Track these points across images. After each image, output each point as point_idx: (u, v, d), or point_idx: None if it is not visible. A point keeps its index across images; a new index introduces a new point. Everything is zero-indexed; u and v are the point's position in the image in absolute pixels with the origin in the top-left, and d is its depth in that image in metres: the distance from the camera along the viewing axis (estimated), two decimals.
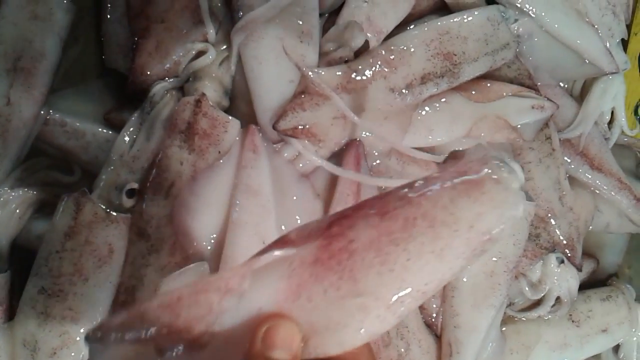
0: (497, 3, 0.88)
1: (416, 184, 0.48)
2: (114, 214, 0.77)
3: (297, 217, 0.82)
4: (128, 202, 0.79)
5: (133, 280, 0.78)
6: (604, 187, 0.95)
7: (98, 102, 0.86)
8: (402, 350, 0.83)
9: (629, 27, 0.97)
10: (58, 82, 0.86)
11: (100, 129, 0.84)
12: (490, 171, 0.47)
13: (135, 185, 0.79)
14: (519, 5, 0.87)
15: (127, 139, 0.80)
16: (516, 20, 0.88)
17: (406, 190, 0.48)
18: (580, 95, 0.98)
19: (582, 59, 0.91)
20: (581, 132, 0.93)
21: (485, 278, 0.85)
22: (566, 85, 0.98)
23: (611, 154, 0.96)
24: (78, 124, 0.84)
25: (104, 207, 0.77)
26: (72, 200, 0.76)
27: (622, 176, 0.96)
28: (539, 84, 0.90)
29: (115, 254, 0.77)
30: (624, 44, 0.97)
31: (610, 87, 0.95)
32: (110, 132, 0.84)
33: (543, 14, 0.88)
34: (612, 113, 0.97)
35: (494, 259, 0.85)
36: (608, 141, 0.97)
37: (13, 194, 0.79)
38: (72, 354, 0.75)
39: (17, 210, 0.80)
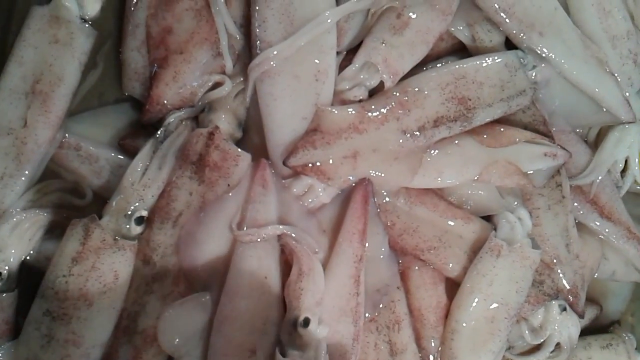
0: (516, 48, 0.87)
1: None
2: (122, 240, 0.78)
3: None
4: (136, 229, 0.79)
5: (136, 306, 0.80)
6: (613, 235, 0.94)
7: (113, 128, 0.87)
8: None
9: None
10: (75, 105, 0.87)
11: (113, 155, 0.86)
12: None
13: (145, 213, 0.80)
14: (539, 52, 0.86)
15: (139, 167, 0.80)
16: (534, 67, 0.87)
17: None
18: (595, 142, 0.97)
19: (599, 106, 0.90)
20: (593, 179, 0.93)
21: (485, 323, 0.85)
22: (581, 131, 0.97)
23: (622, 202, 0.96)
24: (92, 149, 0.85)
25: (112, 234, 0.77)
26: (82, 226, 0.77)
27: (632, 225, 0.95)
28: (553, 129, 0.89)
29: (120, 280, 0.78)
30: None
31: (626, 136, 0.94)
32: (123, 158, 0.85)
33: (563, 61, 0.87)
34: (626, 162, 0.96)
35: (496, 305, 0.84)
36: (620, 189, 0.97)
37: (25, 215, 0.80)
38: None
39: (28, 231, 0.81)
